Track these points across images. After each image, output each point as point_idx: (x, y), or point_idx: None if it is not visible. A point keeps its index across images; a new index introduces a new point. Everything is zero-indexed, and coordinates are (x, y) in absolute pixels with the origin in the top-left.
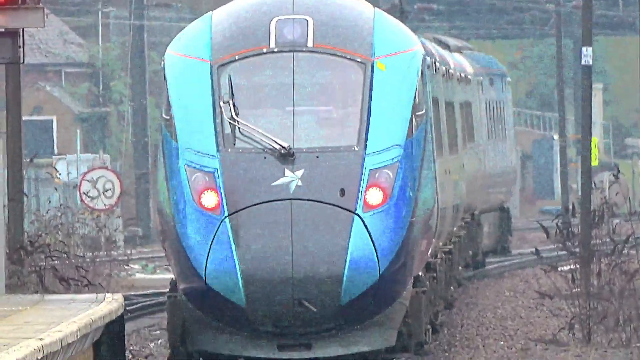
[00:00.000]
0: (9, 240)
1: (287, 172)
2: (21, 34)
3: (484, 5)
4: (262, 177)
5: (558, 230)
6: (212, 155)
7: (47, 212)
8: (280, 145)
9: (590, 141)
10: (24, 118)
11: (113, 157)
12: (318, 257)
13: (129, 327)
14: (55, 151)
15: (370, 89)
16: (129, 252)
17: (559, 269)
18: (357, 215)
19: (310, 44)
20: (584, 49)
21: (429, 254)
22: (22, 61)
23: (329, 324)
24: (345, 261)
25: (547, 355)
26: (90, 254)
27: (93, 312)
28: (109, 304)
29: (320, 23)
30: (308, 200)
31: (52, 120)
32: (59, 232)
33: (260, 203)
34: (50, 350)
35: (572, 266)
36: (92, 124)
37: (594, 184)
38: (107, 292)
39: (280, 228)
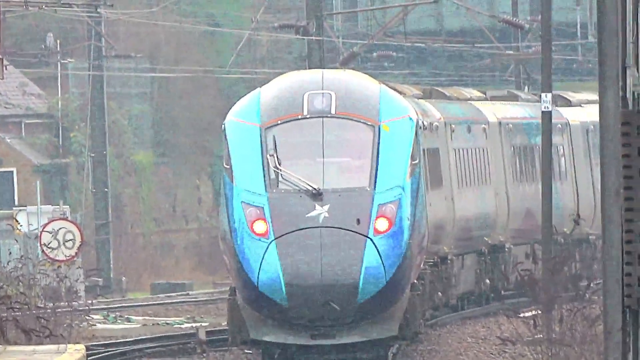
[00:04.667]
0: None
1: (317, 206)
2: None
3: (444, 52)
4: (299, 211)
5: (520, 276)
6: (262, 194)
7: (7, 264)
8: (312, 187)
9: (551, 188)
10: None
11: (73, 208)
12: (340, 269)
13: None
14: (16, 202)
15: (378, 145)
16: (90, 302)
17: (521, 314)
18: (369, 238)
19: (333, 111)
20: (543, 95)
21: (421, 266)
22: None
23: (349, 319)
24: (361, 272)
25: None
26: (52, 304)
27: None
28: (71, 355)
29: (341, 96)
30: (333, 227)
31: (12, 172)
32: (20, 283)
33: (298, 230)
34: None
35: (533, 312)
36: (52, 175)
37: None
38: (69, 343)
39: (313, 248)
